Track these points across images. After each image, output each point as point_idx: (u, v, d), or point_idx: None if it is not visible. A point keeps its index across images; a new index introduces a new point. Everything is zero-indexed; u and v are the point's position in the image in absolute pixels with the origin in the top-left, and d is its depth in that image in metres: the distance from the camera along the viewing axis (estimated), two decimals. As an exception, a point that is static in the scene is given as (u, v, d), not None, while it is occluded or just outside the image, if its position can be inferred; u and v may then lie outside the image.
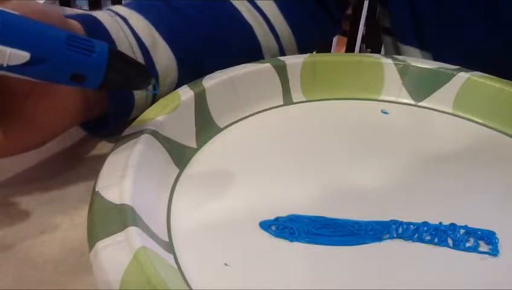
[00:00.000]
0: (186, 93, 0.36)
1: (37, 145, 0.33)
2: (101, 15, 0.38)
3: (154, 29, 0.39)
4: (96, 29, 0.36)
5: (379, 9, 0.59)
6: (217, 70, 0.39)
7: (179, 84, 0.38)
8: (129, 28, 0.38)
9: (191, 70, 0.39)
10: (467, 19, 0.48)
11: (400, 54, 0.55)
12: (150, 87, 0.30)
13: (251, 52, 0.45)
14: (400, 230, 0.28)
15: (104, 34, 0.36)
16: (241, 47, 0.44)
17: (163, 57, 0.39)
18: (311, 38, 0.52)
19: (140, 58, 0.38)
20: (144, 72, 0.30)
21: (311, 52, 0.48)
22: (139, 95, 0.38)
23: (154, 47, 0.39)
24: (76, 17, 0.37)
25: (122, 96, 0.37)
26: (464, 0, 0.47)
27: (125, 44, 0.37)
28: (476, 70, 0.41)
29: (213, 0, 0.44)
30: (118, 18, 0.38)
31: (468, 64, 0.41)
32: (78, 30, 0.35)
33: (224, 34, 0.43)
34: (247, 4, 0.46)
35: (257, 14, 0.46)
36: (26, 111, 0.31)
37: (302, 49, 0.50)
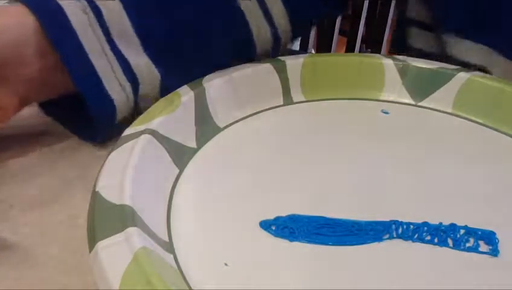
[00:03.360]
0: (186, 93, 0.36)
1: None
2: (70, 7, 0.35)
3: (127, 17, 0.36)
4: (57, 23, 0.34)
5: (409, 4, 0.52)
6: (200, 61, 0.38)
7: (166, 78, 0.37)
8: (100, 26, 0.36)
9: (172, 61, 0.37)
10: None
11: (442, 49, 0.49)
12: None
13: (238, 29, 0.41)
14: (400, 230, 0.28)
15: (68, 28, 0.34)
16: (227, 27, 0.41)
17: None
18: (308, 15, 0.48)
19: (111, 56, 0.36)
20: None
21: (307, 31, 0.45)
22: (119, 95, 0.36)
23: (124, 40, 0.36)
24: (31, 4, 0.34)
25: (99, 100, 0.35)
26: None
27: (94, 43, 0.35)
28: None
29: None
30: (90, 12, 0.35)
31: None
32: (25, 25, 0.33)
33: (205, 17, 0.40)
34: None
35: None
36: None
37: (297, 27, 0.45)
